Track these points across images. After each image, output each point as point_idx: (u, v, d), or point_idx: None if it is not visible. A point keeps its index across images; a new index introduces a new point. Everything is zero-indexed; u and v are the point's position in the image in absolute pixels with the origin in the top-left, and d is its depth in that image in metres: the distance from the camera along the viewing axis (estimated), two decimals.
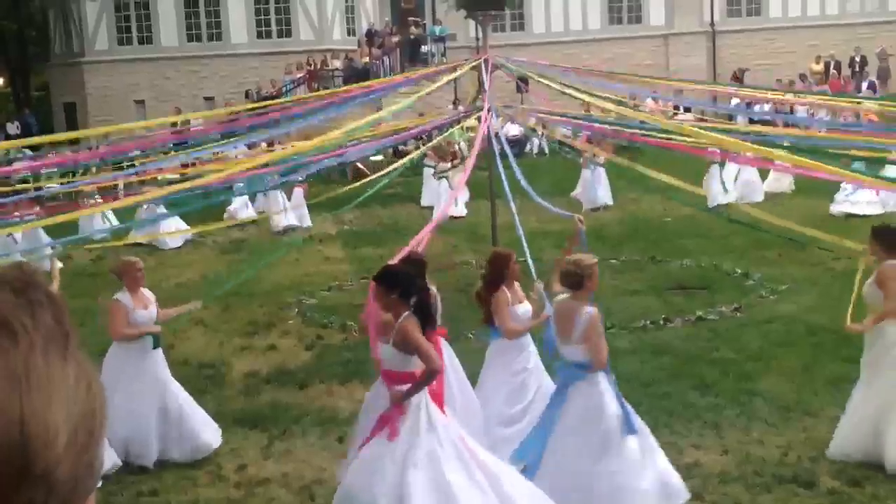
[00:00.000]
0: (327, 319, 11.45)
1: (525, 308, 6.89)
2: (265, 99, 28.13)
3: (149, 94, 31.94)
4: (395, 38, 30.99)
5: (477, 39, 29.89)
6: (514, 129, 25.21)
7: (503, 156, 10.92)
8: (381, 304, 5.60)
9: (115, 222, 16.65)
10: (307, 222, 18.49)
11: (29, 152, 28.39)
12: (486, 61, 12.21)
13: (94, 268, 15.07)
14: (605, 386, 5.84)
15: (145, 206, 16.60)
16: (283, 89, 29.20)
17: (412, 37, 31.55)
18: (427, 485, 5.26)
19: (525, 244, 8.30)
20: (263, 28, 32.58)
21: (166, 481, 6.97)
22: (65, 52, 33.95)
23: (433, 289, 6.59)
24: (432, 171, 20.06)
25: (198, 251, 17.15)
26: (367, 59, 29.74)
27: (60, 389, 0.81)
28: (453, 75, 13.46)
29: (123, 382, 6.97)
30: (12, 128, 33.12)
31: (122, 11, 32.52)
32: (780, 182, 18.91)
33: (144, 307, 7.28)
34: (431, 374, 5.38)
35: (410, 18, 32.63)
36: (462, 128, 19.08)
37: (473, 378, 7.10)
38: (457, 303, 12.42)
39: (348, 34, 33.00)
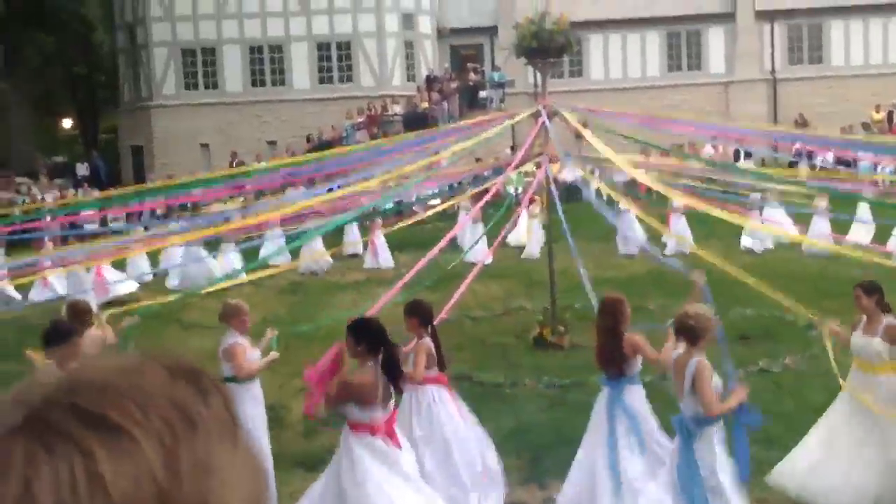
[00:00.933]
0: None
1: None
2: (326, 143, 28.61)
3: (213, 137, 32.63)
4: (454, 84, 31.32)
5: (535, 86, 30.09)
6: (570, 175, 25.22)
7: (562, 200, 10.91)
8: (351, 354, 5.88)
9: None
10: (389, 263, 18.74)
11: (96, 193, 29.11)
12: (544, 108, 12.32)
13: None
14: (716, 441, 5.76)
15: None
16: (344, 134, 29.64)
17: (471, 83, 31.86)
18: None
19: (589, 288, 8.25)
20: (325, 74, 33.20)
21: None
22: (133, 96, 34.89)
23: (426, 340, 6.92)
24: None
25: (259, 293, 17.35)
26: (426, 105, 30.08)
27: (234, 475, 0.84)
28: (511, 121, 13.56)
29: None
30: (82, 169, 34.09)
31: (189, 57, 33.39)
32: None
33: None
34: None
35: (469, 65, 32.98)
36: (519, 173, 19.18)
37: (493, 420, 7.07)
38: (514, 349, 12.45)
39: (408, 80, 33.44)
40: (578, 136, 15.64)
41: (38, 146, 37.79)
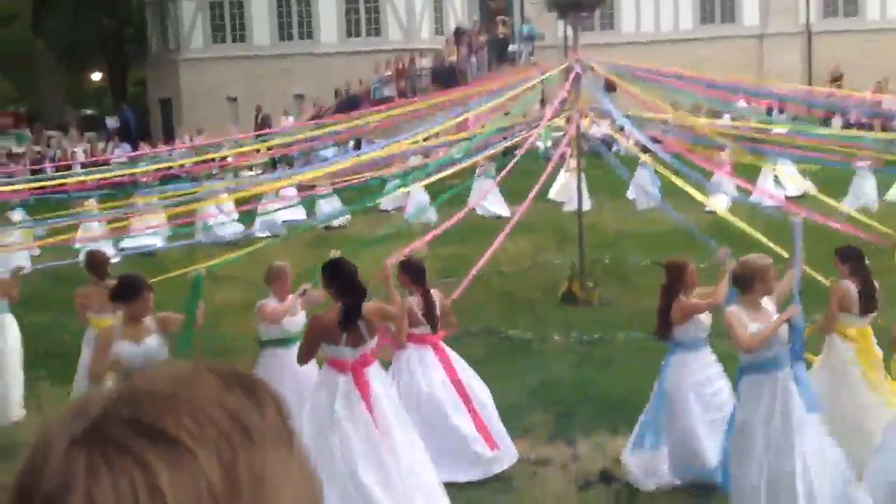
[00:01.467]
0: None
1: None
2: (353, 97, 28.51)
3: (240, 91, 32.58)
4: (483, 38, 31.01)
5: (565, 39, 29.74)
6: (599, 131, 25.00)
7: (594, 156, 10.84)
8: (327, 293, 6.14)
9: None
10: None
11: (128, 147, 29.27)
12: (575, 63, 12.17)
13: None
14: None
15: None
16: (372, 87, 29.50)
17: (500, 36, 31.53)
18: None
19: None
20: (353, 27, 33.00)
21: None
22: (161, 49, 34.88)
23: (434, 292, 7.12)
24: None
25: (286, 247, 17.40)
26: (454, 58, 29.83)
27: (290, 483, 0.85)
28: (542, 77, 13.39)
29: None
30: (112, 122, 34.22)
31: (217, 10, 33.28)
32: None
33: (292, 315, 7.16)
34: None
35: (498, 17, 32.62)
36: (547, 127, 19.02)
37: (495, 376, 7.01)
38: (541, 303, 12.44)
39: (436, 33, 33.17)
40: (610, 89, 15.50)
41: (68, 99, 37.94)
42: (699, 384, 6.51)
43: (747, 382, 5.71)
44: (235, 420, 0.83)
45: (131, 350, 5.93)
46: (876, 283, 6.84)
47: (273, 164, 22.94)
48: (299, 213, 19.33)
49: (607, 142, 27.02)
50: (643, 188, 18.47)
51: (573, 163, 19.11)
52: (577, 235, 12.51)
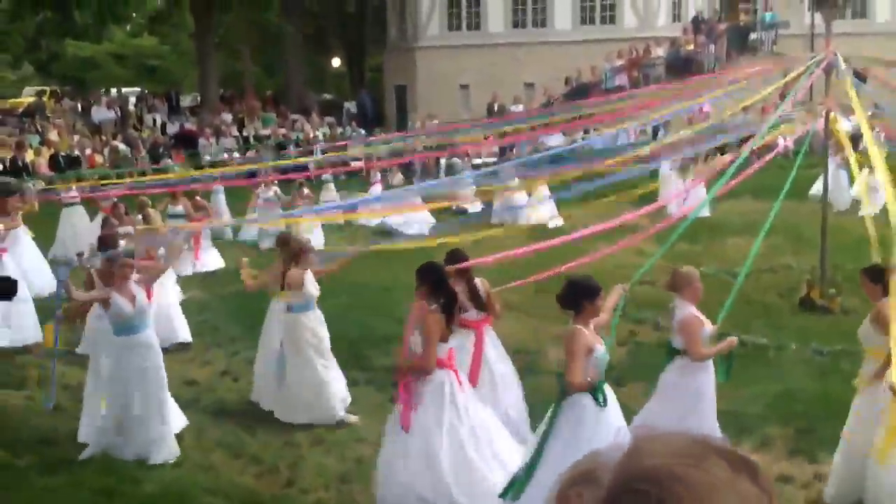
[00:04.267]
0: (641, 315, 11.25)
1: None
2: (583, 86, 28.25)
3: (473, 78, 33.08)
4: (723, 26, 29.87)
5: (812, 27, 28.16)
6: (847, 125, 23.49)
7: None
8: (418, 293, 6.42)
9: None
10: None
11: (362, 131, 30.47)
12: (828, 56, 11.44)
13: None
14: None
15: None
16: (602, 77, 29.12)
17: (741, 24, 30.28)
18: (449, 450, 6.13)
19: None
20: (588, 14, 32.70)
21: None
22: (399, 36, 35.99)
23: (478, 280, 7.60)
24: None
25: (509, 237, 17.49)
26: (691, 47, 28.92)
27: None
28: (794, 74, 12.60)
29: None
30: (350, 106, 35.72)
31: None
32: None
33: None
34: (421, 372, 6.23)
35: (741, 5, 31.33)
36: (789, 123, 18.03)
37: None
38: (778, 308, 11.83)
39: (674, 20, 32.28)
40: (859, 79, 14.48)
41: (309, 84, 39.91)
42: None
43: None
44: None
45: None
46: None
47: (501, 152, 23.16)
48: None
49: (855, 137, 25.41)
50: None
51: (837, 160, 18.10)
52: (815, 237, 11.80)
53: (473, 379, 7.17)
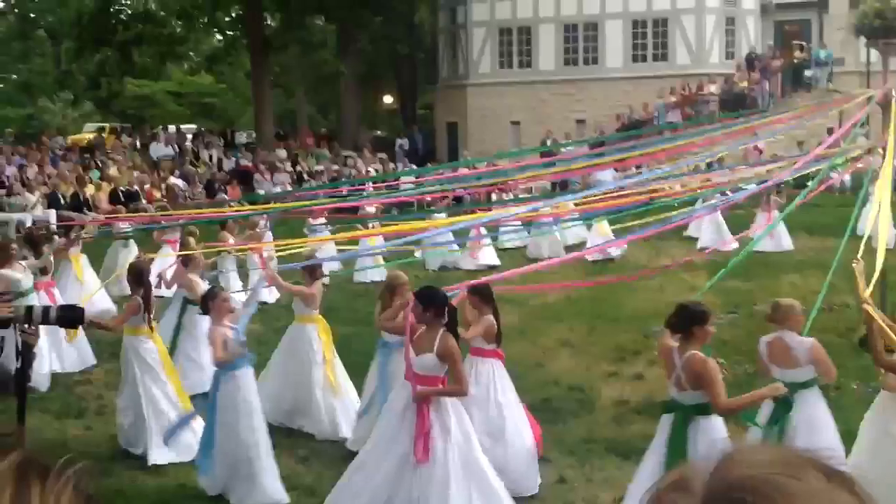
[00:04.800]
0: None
1: None
2: (636, 122, 28.21)
3: (524, 115, 33.22)
4: (778, 62, 29.69)
5: (868, 64, 27.86)
6: None
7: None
8: (417, 319, 6.41)
9: None
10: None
11: (414, 167, 30.65)
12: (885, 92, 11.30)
13: None
14: None
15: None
16: (655, 113, 29.07)
17: (795, 61, 30.07)
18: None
19: None
20: (639, 52, 32.72)
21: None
22: (450, 74, 36.32)
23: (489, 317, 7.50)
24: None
25: (562, 270, 17.42)
26: (745, 84, 28.77)
27: None
28: (851, 122, 12.42)
29: None
30: (402, 143, 36.06)
31: (506, 36, 34.19)
32: None
33: None
34: (458, 394, 6.39)
35: (794, 42, 31.13)
36: (844, 157, 17.81)
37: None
38: (836, 347, 11.61)
39: (726, 57, 32.17)
40: None
41: (362, 121, 40.38)
42: None
43: None
44: None
45: None
46: None
47: (553, 188, 23.13)
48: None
49: None
50: None
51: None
52: (876, 276, 11.58)
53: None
